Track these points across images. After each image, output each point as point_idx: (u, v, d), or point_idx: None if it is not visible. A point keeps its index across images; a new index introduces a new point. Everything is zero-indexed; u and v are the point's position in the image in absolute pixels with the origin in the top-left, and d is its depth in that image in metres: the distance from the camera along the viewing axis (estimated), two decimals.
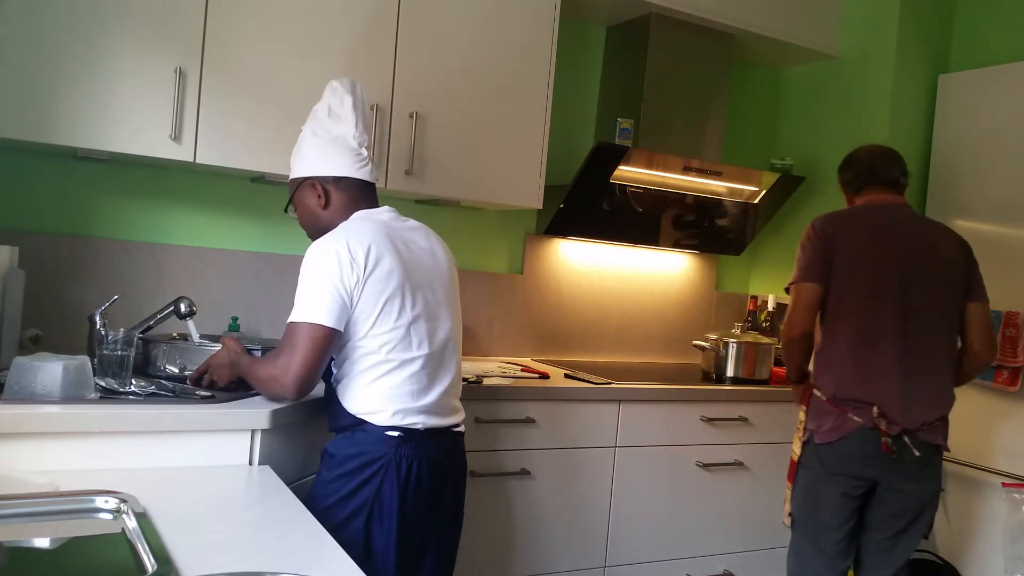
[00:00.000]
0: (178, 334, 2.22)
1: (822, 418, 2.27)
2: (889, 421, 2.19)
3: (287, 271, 2.62)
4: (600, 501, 2.60)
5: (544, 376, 2.67)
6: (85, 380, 1.64)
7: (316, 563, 1.12)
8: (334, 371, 1.76)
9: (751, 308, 3.46)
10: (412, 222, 1.87)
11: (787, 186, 3.27)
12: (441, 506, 1.78)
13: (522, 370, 2.75)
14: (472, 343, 3.01)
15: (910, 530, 2.30)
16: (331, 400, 1.76)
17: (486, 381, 2.45)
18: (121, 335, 1.75)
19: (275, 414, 1.70)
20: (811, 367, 2.40)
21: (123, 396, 1.70)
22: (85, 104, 2.03)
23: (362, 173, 1.82)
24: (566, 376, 2.72)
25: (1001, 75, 2.98)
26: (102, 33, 2.03)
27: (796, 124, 3.56)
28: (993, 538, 2.85)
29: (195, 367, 1.92)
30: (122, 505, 1.25)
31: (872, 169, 2.40)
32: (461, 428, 1.85)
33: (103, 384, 1.72)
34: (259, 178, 2.45)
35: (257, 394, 1.81)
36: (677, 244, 3.34)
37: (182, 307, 2.07)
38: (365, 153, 1.83)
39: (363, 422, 1.69)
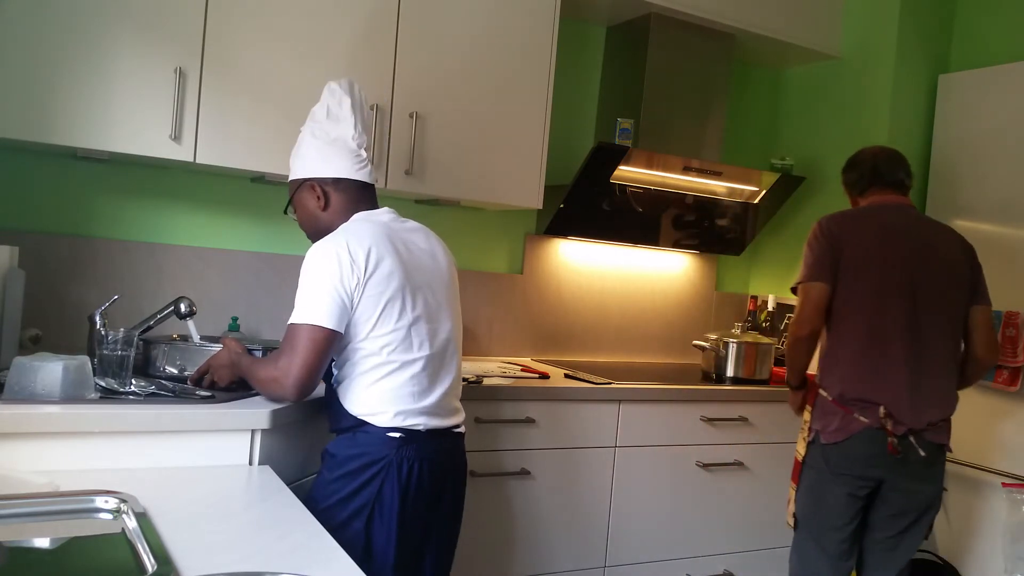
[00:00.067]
0: (178, 335, 2.22)
1: (828, 418, 2.27)
2: (896, 421, 2.20)
3: (287, 271, 2.62)
4: (600, 501, 2.60)
5: (544, 376, 2.67)
6: (85, 380, 1.64)
7: (316, 563, 1.12)
8: (335, 372, 1.76)
9: (751, 308, 3.46)
10: (412, 223, 1.87)
11: (787, 186, 3.27)
12: (441, 506, 1.78)
13: (522, 370, 2.75)
14: (472, 343, 3.01)
15: (912, 529, 2.31)
16: (332, 401, 1.76)
17: (486, 381, 2.45)
18: (121, 335, 1.75)
19: (275, 414, 1.70)
20: (814, 369, 2.40)
21: (123, 396, 1.70)
22: (85, 104, 2.03)
23: (361, 174, 1.81)
24: (566, 376, 2.72)
25: (1001, 75, 2.98)
26: (102, 33, 2.03)
27: (796, 124, 3.56)
28: (993, 538, 2.85)
29: (195, 367, 1.92)
30: (122, 505, 1.25)
31: (876, 170, 2.41)
32: (462, 429, 1.85)
33: (103, 384, 1.72)
34: (259, 178, 2.45)
35: (257, 394, 1.81)
36: (677, 244, 3.34)
37: (182, 307, 2.07)
38: (364, 154, 1.83)
39: (364, 423, 1.69)
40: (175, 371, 1.98)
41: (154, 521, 1.21)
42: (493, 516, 2.42)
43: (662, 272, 3.44)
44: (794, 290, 2.39)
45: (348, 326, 1.66)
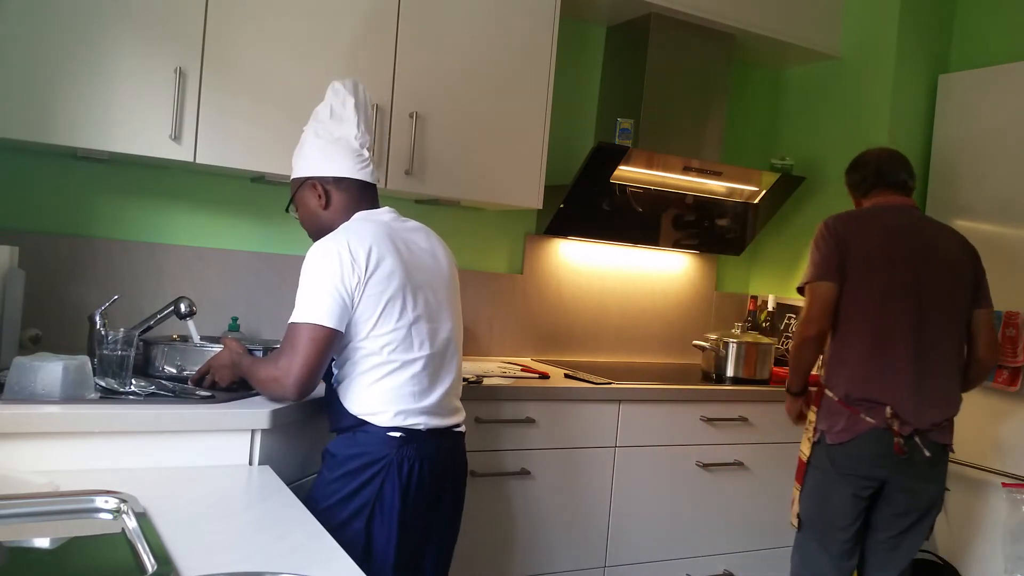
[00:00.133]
0: (178, 335, 2.22)
1: (834, 418, 2.27)
2: (902, 422, 2.20)
3: (287, 271, 2.62)
4: (600, 501, 2.60)
5: (544, 376, 2.67)
6: (85, 380, 1.64)
7: (316, 563, 1.12)
8: (335, 372, 1.76)
9: (751, 308, 3.46)
10: (413, 223, 1.87)
11: (787, 186, 3.27)
12: (442, 506, 1.79)
13: (522, 370, 2.75)
14: (472, 343, 3.01)
15: (915, 529, 2.31)
16: (332, 401, 1.76)
17: (486, 381, 2.45)
18: (121, 335, 1.75)
19: (275, 414, 1.70)
20: (815, 370, 2.40)
21: (123, 396, 1.70)
22: (85, 104, 2.03)
23: (363, 174, 1.82)
24: (566, 376, 2.72)
25: (1001, 75, 2.98)
26: (102, 33, 2.03)
27: (796, 124, 3.56)
28: (993, 538, 2.85)
29: (195, 367, 1.92)
30: (122, 505, 1.25)
31: (880, 172, 2.41)
32: (462, 428, 1.85)
33: (103, 384, 1.72)
34: (259, 178, 2.45)
35: (257, 394, 1.81)
36: (677, 244, 3.34)
37: (182, 307, 2.07)
38: (367, 154, 1.83)
39: (364, 423, 1.69)
40: (175, 371, 1.98)
41: (154, 521, 1.21)
42: (493, 516, 2.42)
43: (662, 272, 3.44)
44: (800, 290, 2.38)
45: (348, 325, 1.66)
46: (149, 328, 2.08)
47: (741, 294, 3.66)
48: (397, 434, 1.68)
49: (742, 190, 3.28)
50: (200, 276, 2.53)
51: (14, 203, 2.31)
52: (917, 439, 2.21)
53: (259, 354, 1.93)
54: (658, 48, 3.03)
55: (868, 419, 2.21)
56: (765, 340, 3.04)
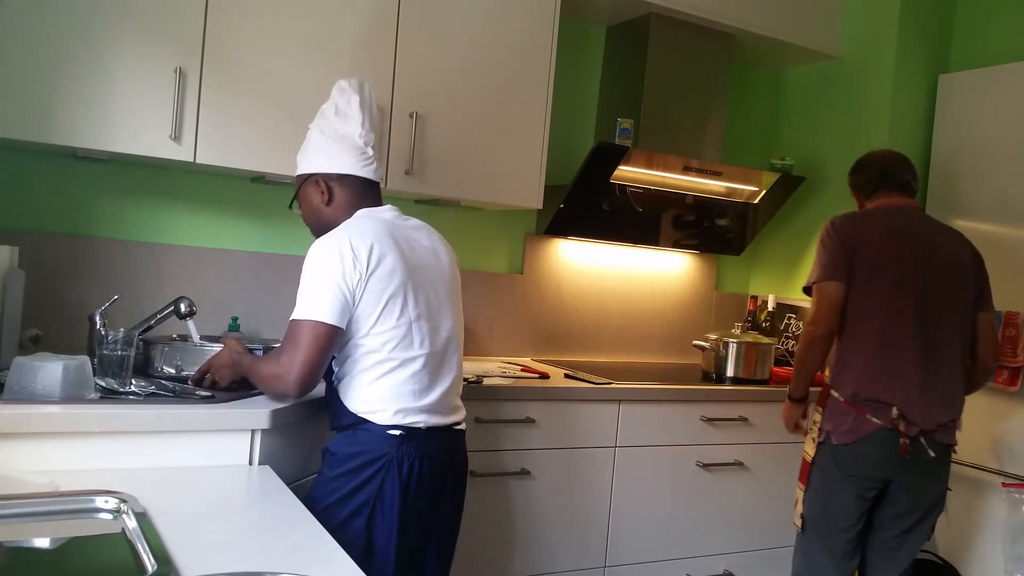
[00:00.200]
0: (178, 335, 2.22)
1: (840, 419, 2.27)
2: (908, 422, 2.20)
3: (287, 271, 2.62)
4: (600, 501, 2.60)
5: (544, 376, 2.67)
6: (85, 380, 1.64)
7: (316, 563, 1.12)
8: (335, 369, 1.76)
9: (751, 308, 3.46)
10: (414, 221, 1.87)
11: (787, 186, 3.27)
12: (442, 504, 1.79)
13: (522, 370, 2.75)
14: (472, 343, 3.01)
15: (917, 529, 2.32)
16: (332, 399, 1.76)
17: (486, 381, 2.45)
18: (121, 335, 1.75)
19: (275, 414, 1.70)
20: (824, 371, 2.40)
21: (123, 396, 1.70)
22: (85, 104, 2.03)
23: (366, 172, 1.82)
24: (566, 376, 2.72)
25: (1001, 75, 2.98)
26: (102, 33, 2.03)
27: (796, 124, 3.56)
28: (993, 538, 2.85)
29: (195, 367, 1.92)
30: (122, 505, 1.25)
31: (884, 173, 2.42)
32: (462, 426, 1.85)
33: (103, 384, 1.72)
34: (259, 178, 2.44)
35: (257, 394, 1.81)
36: (677, 244, 3.34)
37: (182, 307, 2.07)
38: (371, 152, 1.83)
39: (364, 421, 1.69)
40: (175, 371, 1.98)
41: (154, 521, 1.21)
42: (493, 516, 2.42)
43: (662, 272, 3.44)
44: (806, 290, 2.38)
45: (350, 322, 1.67)
46: (149, 328, 2.08)
47: (741, 294, 3.66)
48: (397, 432, 1.68)
49: (742, 190, 3.28)
50: (200, 276, 2.53)
51: (14, 203, 2.31)
52: (922, 439, 2.22)
53: (259, 353, 1.93)
54: (658, 48, 3.03)
55: (874, 420, 2.21)
56: (765, 340, 3.04)
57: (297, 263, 1.72)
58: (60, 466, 1.50)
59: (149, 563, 1.05)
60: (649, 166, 3.00)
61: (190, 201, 2.53)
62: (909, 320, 2.25)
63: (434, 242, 1.86)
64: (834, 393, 2.31)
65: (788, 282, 3.48)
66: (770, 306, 3.46)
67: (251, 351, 1.87)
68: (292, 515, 1.33)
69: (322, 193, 1.81)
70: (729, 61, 3.23)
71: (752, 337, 3.03)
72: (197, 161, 2.16)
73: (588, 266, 3.26)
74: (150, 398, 1.71)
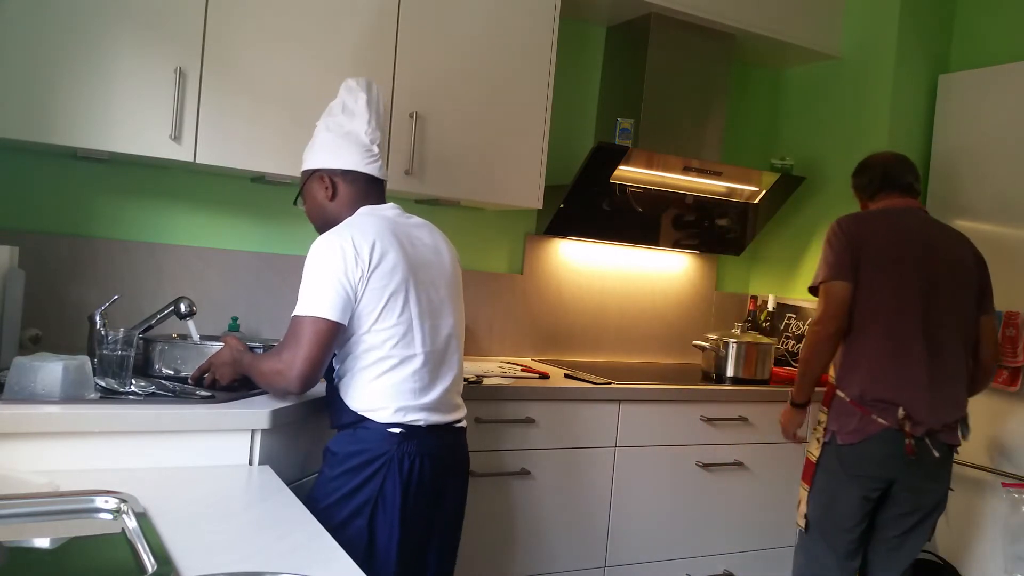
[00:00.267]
0: (178, 334, 2.22)
1: (845, 419, 2.27)
2: (914, 422, 2.20)
3: (287, 271, 2.62)
4: (600, 501, 2.60)
5: (544, 376, 2.67)
6: (85, 380, 1.64)
7: (316, 563, 1.12)
8: (336, 367, 1.76)
9: (751, 308, 3.46)
10: (417, 219, 1.87)
11: (787, 186, 3.27)
12: (444, 502, 1.78)
13: (522, 370, 2.75)
14: (472, 343, 3.01)
15: (918, 529, 2.32)
16: (333, 397, 1.76)
17: (486, 381, 2.45)
18: (121, 335, 1.75)
19: (275, 414, 1.70)
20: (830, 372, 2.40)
21: (123, 396, 1.70)
22: (85, 104, 2.03)
23: (371, 168, 1.82)
24: (566, 376, 2.72)
25: (1001, 75, 2.98)
26: (102, 33, 2.03)
27: (796, 124, 3.56)
28: (993, 538, 2.85)
29: (195, 367, 1.92)
30: (122, 505, 1.25)
31: (887, 175, 2.43)
32: (463, 424, 1.85)
33: (103, 384, 1.72)
34: (259, 178, 2.44)
35: (257, 394, 1.81)
36: (677, 244, 3.34)
37: (182, 307, 2.07)
38: (376, 150, 1.84)
39: (365, 419, 1.69)
40: (175, 371, 1.98)
41: (154, 521, 1.21)
42: (493, 516, 2.42)
43: (662, 272, 3.44)
44: (812, 290, 2.37)
45: (351, 319, 1.67)
46: (149, 328, 2.08)
47: (741, 294, 3.65)
48: (397, 430, 1.68)
49: (742, 190, 3.28)
50: (200, 276, 2.52)
51: (14, 203, 2.31)
52: (927, 440, 2.22)
53: (260, 352, 1.93)
54: (658, 48, 3.03)
55: (880, 420, 2.21)
56: (765, 340, 3.04)
57: (297, 263, 1.72)
58: (60, 466, 1.50)
59: (149, 563, 1.05)
60: (649, 166, 3.00)
61: (190, 201, 2.53)
62: (914, 320, 2.25)
63: (436, 240, 1.86)
64: (840, 393, 2.30)
65: (788, 282, 3.48)
66: (770, 306, 3.46)
67: (252, 350, 1.87)
68: (292, 515, 1.33)
69: (326, 189, 1.81)
70: (729, 61, 3.23)
71: (752, 337, 3.03)
72: (197, 161, 2.16)
73: (588, 266, 3.26)
74: (150, 398, 1.71)
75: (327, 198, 1.82)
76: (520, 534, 2.48)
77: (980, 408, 2.87)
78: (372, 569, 1.64)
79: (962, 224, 2.95)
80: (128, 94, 2.07)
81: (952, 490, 2.40)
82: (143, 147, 2.09)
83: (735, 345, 2.96)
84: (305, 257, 1.69)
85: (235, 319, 2.51)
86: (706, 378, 3.01)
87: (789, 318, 3.40)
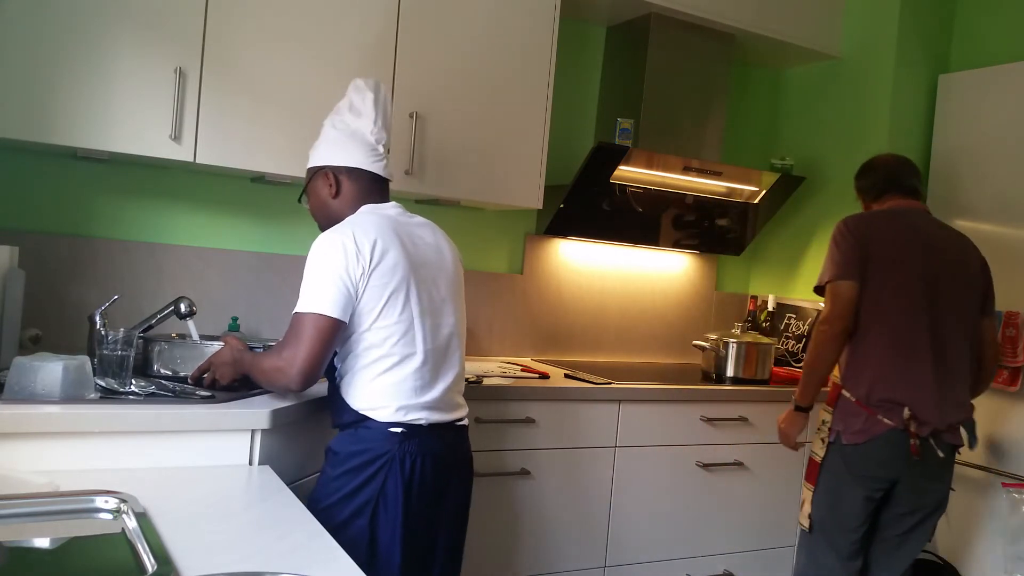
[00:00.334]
0: (178, 334, 2.22)
1: (851, 419, 2.26)
2: (920, 423, 2.20)
3: (287, 271, 2.62)
4: (600, 501, 2.60)
5: (544, 376, 2.67)
6: (85, 380, 1.64)
7: (316, 563, 1.12)
8: (337, 366, 1.76)
9: (751, 308, 3.46)
10: (419, 218, 1.88)
11: (787, 186, 3.27)
12: (446, 501, 1.78)
13: (522, 370, 2.75)
14: (472, 343, 3.01)
15: (919, 529, 2.32)
16: (334, 396, 1.76)
17: (486, 381, 2.45)
18: (121, 335, 1.75)
19: (275, 414, 1.70)
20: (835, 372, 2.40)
21: (123, 396, 1.70)
22: (85, 104, 2.03)
23: (376, 167, 1.83)
24: (566, 376, 2.72)
25: (1001, 75, 2.98)
26: (102, 33, 2.03)
27: (796, 124, 3.56)
28: (993, 538, 2.85)
29: (194, 367, 1.92)
30: (122, 505, 1.25)
31: (890, 177, 2.43)
32: (465, 422, 1.85)
33: (103, 384, 1.71)
34: (259, 178, 2.44)
35: (257, 394, 1.81)
36: (677, 244, 3.34)
37: (182, 307, 2.07)
38: (381, 150, 1.85)
39: (366, 418, 1.69)
40: (175, 371, 1.98)
41: (154, 521, 1.21)
42: (494, 516, 2.42)
43: (662, 272, 3.44)
44: (818, 290, 2.36)
45: (352, 316, 1.67)
46: (149, 328, 2.08)
47: (741, 294, 3.65)
48: (398, 429, 1.68)
49: (742, 190, 3.28)
50: (200, 276, 2.52)
51: (14, 203, 2.31)
52: (932, 440, 2.22)
53: (260, 351, 1.93)
54: (658, 48, 3.03)
55: (886, 420, 2.21)
56: (765, 340, 3.04)
57: (297, 263, 1.72)
58: (60, 466, 1.50)
59: (149, 563, 1.05)
60: (649, 166, 3.00)
61: (190, 201, 2.53)
62: (920, 321, 2.25)
63: (438, 239, 1.87)
64: (845, 393, 2.30)
65: (788, 282, 3.49)
66: (770, 306, 3.46)
67: (251, 349, 1.87)
68: (292, 515, 1.33)
69: (330, 186, 1.82)
70: (729, 61, 3.23)
71: (752, 337, 3.03)
72: (197, 161, 2.16)
73: (588, 266, 3.26)
74: (150, 398, 1.71)
75: (331, 195, 1.82)
76: (520, 534, 2.48)
77: (980, 408, 2.85)
78: (374, 569, 1.64)
79: (962, 224, 2.95)
80: (128, 94, 2.07)
81: (953, 490, 2.40)
82: (143, 147, 2.09)
83: (735, 345, 2.96)
84: (305, 257, 1.69)
85: (235, 319, 2.50)
86: (706, 378, 3.01)
87: (789, 318, 3.40)
